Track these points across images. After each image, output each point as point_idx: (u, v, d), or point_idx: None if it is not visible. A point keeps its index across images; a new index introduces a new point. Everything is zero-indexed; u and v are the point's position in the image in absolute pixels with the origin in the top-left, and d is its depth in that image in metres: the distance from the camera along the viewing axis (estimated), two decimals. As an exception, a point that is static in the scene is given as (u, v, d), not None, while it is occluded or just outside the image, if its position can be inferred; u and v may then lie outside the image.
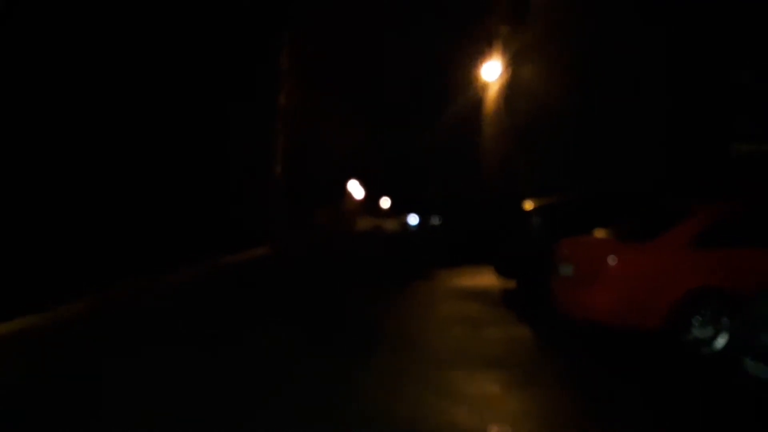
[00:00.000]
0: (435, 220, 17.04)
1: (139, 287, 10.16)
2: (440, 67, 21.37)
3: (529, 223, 9.61)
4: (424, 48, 20.79)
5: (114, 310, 8.45)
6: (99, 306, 8.56)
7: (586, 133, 13.38)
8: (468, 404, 4.58)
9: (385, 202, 59.13)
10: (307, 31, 24.04)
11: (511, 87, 17.47)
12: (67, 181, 9.55)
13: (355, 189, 50.28)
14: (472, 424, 4.16)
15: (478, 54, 19.74)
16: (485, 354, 6.06)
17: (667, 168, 11.40)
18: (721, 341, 5.65)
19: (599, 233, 6.78)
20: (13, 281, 7.56)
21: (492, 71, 18.47)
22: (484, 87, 20.15)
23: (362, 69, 26.21)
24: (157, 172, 12.69)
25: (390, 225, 36.31)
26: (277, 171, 23.57)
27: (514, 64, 17.18)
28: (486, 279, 11.65)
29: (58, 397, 4.72)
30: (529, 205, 10.04)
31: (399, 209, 45.74)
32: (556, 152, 14.83)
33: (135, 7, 11.54)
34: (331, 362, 5.75)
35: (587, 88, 13.32)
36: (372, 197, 56.81)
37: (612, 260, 5.93)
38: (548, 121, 15.08)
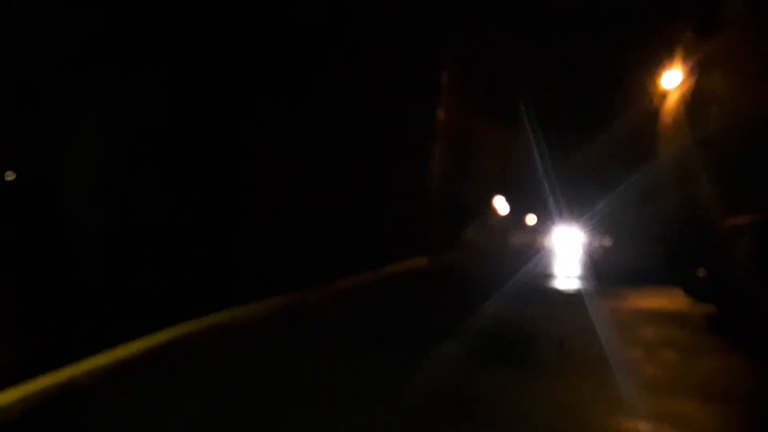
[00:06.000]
0: (605, 240, 15.98)
1: (319, 292, 10.78)
2: (610, 76, 20.19)
3: (737, 241, 8.58)
4: (591, 55, 19.74)
5: (295, 313, 9.19)
6: (282, 308, 9.36)
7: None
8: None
9: (530, 219, 57.33)
10: (465, 45, 23.86)
11: (696, 96, 16.02)
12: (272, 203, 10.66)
13: (501, 205, 49.18)
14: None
15: (656, 61, 18.38)
16: (706, 384, 5.42)
17: None
18: None
19: None
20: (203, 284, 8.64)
21: (672, 79, 17.09)
22: (662, 96, 18.70)
23: (522, 80, 25.34)
24: (336, 194, 13.53)
25: (546, 241, 35.04)
26: (433, 186, 23.59)
27: (699, 71, 15.76)
28: (674, 301, 10.60)
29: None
30: (735, 221, 9.00)
31: (546, 226, 44.12)
32: (749, 164, 13.31)
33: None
34: (517, 377, 5.50)
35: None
36: (516, 213, 55.27)
37: None
38: (741, 131, 13.61)
